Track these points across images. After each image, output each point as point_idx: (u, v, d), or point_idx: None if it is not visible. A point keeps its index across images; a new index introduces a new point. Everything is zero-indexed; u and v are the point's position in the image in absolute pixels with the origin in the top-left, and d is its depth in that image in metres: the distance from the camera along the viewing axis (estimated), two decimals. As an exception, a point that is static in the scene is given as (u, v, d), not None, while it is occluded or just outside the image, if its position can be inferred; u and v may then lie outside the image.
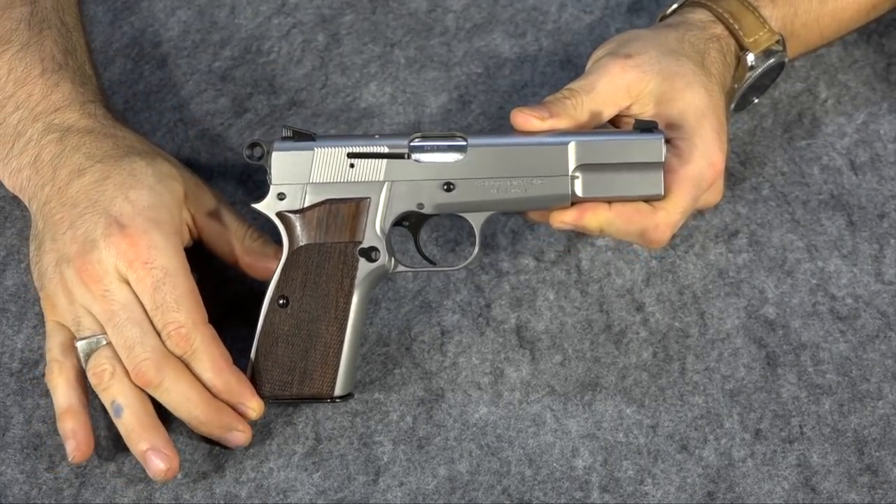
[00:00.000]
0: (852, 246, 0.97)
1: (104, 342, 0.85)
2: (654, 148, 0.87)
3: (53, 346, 0.87)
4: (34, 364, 0.92)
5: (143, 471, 0.87)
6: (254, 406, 0.86)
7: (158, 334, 0.84)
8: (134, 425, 0.84)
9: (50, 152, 0.88)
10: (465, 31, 1.07)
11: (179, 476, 0.89)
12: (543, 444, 0.90)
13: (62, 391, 0.86)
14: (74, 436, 0.85)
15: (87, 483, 0.88)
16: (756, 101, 1.00)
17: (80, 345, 0.85)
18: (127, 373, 0.84)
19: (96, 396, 0.86)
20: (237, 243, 0.91)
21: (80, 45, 0.95)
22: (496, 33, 1.07)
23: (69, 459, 0.86)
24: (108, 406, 0.85)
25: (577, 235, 0.96)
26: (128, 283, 0.84)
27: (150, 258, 0.84)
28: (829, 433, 0.90)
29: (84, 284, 0.84)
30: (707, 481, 0.89)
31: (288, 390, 0.87)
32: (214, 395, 0.86)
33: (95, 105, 0.91)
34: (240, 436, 0.87)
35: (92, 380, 0.85)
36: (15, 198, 0.92)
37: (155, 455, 0.84)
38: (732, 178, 1.00)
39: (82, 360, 0.86)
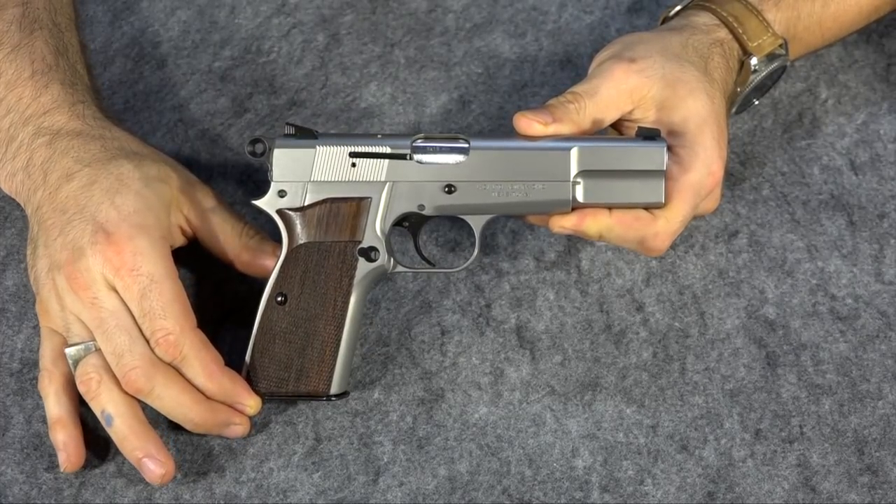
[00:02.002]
0: (852, 246, 0.97)
1: (93, 349, 0.85)
2: (656, 156, 0.87)
3: (45, 353, 0.87)
4: (34, 364, 0.92)
5: (143, 472, 0.88)
6: (251, 404, 0.86)
7: (147, 341, 0.84)
8: (126, 433, 0.84)
9: (41, 156, 0.88)
10: (465, 31, 1.07)
11: (179, 476, 0.89)
12: (543, 444, 0.90)
13: (52, 401, 0.86)
14: (65, 447, 0.86)
15: (87, 483, 0.88)
16: (756, 102, 1.00)
17: (68, 351, 0.85)
18: (115, 380, 0.84)
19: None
20: (234, 241, 0.91)
21: (71, 45, 0.95)
22: (496, 33, 1.07)
23: (61, 469, 0.86)
24: (98, 415, 0.85)
25: (578, 236, 0.96)
26: (116, 291, 0.84)
27: (136, 265, 0.83)
28: (829, 433, 0.90)
29: (73, 292, 0.84)
30: (707, 481, 0.89)
31: (284, 387, 0.87)
32: (209, 398, 0.86)
33: (85, 106, 0.91)
34: (238, 429, 0.87)
35: (80, 388, 0.85)
36: (14, 198, 0.92)
37: (150, 461, 0.84)
38: (732, 178, 1.00)
39: (71, 366, 0.86)
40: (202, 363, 0.85)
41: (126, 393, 0.84)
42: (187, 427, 0.86)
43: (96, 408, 0.85)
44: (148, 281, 0.83)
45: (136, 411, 0.85)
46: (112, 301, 0.84)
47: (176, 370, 0.85)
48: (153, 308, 0.83)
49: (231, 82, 1.05)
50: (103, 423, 0.85)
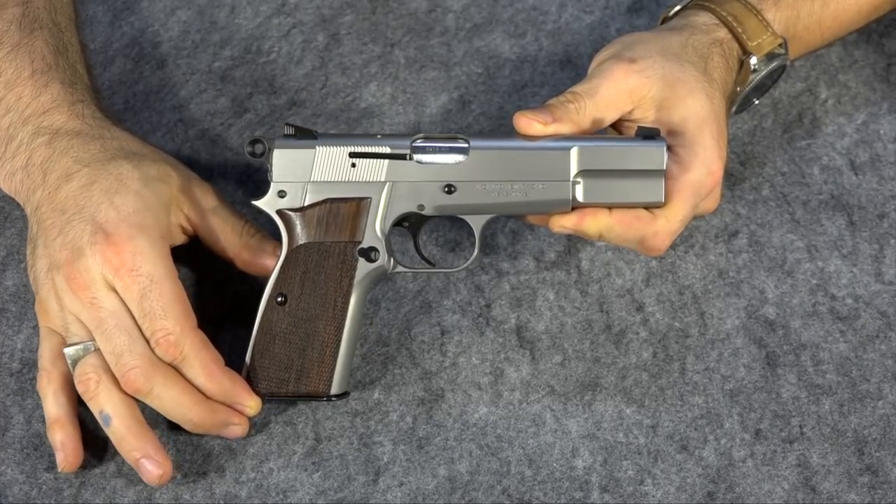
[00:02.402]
0: (852, 246, 0.97)
1: (92, 349, 0.85)
2: (655, 155, 0.87)
3: (44, 353, 0.87)
4: (34, 364, 0.92)
5: (143, 472, 0.88)
6: (251, 405, 0.86)
7: (147, 341, 0.84)
8: (124, 434, 0.84)
9: (40, 156, 0.88)
10: (465, 31, 1.07)
11: (179, 476, 0.89)
12: (543, 444, 0.90)
13: (51, 401, 0.86)
14: (63, 447, 0.86)
15: (87, 483, 0.88)
16: (756, 101, 1.00)
17: (67, 351, 0.85)
18: (114, 380, 0.84)
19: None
20: (234, 240, 0.91)
21: (71, 44, 0.95)
22: (496, 33, 1.07)
23: (58, 469, 0.86)
24: (96, 415, 0.85)
25: (578, 236, 0.96)
26: (115, 291, 0.84)
27: (136, 265, 0.83)
28: (829, 433, 0.90)
29: (73, 292, 0.84)
30: (707, 481, 0.89)
31: (284, 388, 0.87)
32: (209, 398, 0.86)
33: (84, 105, 0.91)
34: (237, 429, 0.87)
35: (78, 388, 0.85)
36: (13, 198, 0.92)
37: (147, 462, 0.84)
38: (732, 178, 1.00)
39: (70, 366, 0.86)
40: (202, 363, 0.85)
41: (125, 393, 0.84)
42: (186, 427, 0.86)
43: (94, 408, 0.85)
44: (148, 281, 0.83)
45: (134, 412, 0.85)
46: (111, 301, 0.84)
47: (175, 370, 0.85)
48: (153, 308, 0.83)
49: (231, 82, 1.05)
50: (101, 423, 0.85)
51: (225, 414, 0.86)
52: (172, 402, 0.84)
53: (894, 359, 0.93)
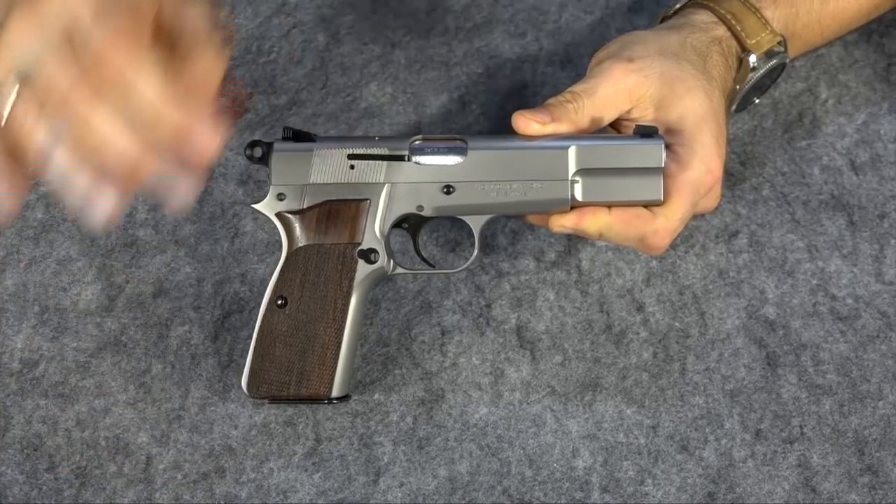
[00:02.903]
0: (852, 246, 0.97)
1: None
2: (654, 153, 0.87)
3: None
4: (34, 364, 0.92)
5: (143, 471, 0.88)
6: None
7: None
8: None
9: None
10: (465, 31, 1.07)
11: (179, 476, 0.89)
12: (544, 444, 0.90)
13: None
14: None
15: (87, 483, 0.88)
16: (757, 101, 1.00)
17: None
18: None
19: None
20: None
21: None
22: (496, 33, 1.07)
23: None
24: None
25: (578, 236, 0.96)
26: None
27: None
28: (830, 433, 0.90)
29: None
30: (707, 482, 0.89)
31: (285, 391, 0.87)
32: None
33: None
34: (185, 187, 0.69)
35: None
36: (14, 198, 0.92)
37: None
38: (732, 178, 1.00)
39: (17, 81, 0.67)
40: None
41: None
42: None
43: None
44: None
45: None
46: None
47: None
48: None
49: (231, 82, 1.05)
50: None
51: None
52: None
53: (894, 359, 0.93)
